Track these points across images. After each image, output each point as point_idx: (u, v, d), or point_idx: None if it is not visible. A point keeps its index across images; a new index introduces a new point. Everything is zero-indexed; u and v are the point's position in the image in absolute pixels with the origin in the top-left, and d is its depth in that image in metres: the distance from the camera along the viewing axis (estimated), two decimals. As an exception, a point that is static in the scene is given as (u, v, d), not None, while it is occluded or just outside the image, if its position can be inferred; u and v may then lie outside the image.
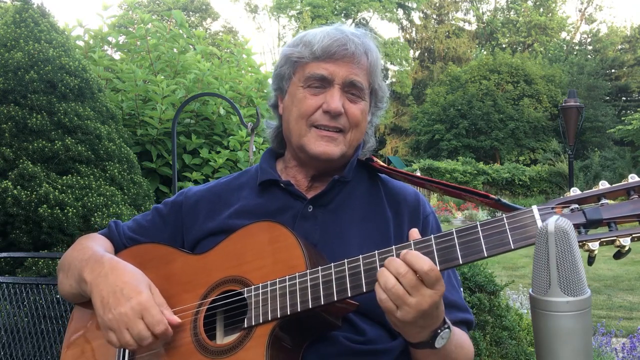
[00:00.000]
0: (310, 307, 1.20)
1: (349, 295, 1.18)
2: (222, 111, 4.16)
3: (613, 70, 39.26)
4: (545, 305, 1.00)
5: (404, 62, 43.56)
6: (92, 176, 2.73)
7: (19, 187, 2.55)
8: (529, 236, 1.08)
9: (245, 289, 1.28)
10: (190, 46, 4.89)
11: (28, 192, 2.55)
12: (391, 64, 43.03)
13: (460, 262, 1.12)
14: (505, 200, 1.28)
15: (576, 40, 46.50)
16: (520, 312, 3.93)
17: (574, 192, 1.12)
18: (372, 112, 1.52)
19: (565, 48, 44.32)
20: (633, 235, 1.05)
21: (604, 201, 1.09)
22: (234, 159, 4.05)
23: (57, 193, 2.58)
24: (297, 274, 1.23)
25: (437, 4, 46.79)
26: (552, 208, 1.10)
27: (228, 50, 5.32)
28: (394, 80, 41.83)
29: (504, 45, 46.10)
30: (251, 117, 4.35)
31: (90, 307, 1.37)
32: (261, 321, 1.24)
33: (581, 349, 1.00)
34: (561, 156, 28.25)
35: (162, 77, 4.13)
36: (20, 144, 2.63)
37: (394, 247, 1.18)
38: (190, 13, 45.09)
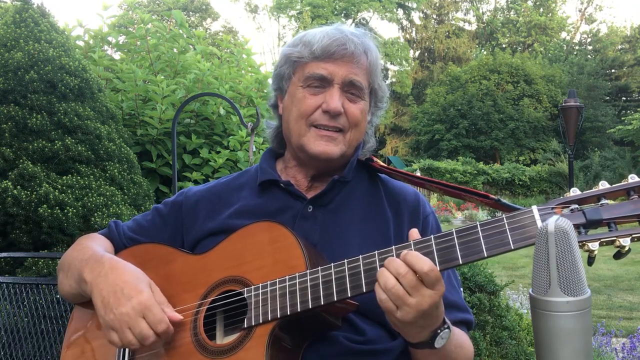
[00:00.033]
0: (310, 307, 1.20)
1: (349, 295, 1.18)
2: (222, 111, 4.16)
3: (613, 70, 39.26)
4: (545, 305, 1.00)
5: (404, 62, 43.57)
6: (92, 176, 2.73)
7: (19, 187, 2.55)
8: (529, 236, 1.08)
9: (245, 289, 1.28)
10: (190, 46, 4.90)
11: (28, 192, 2.55)
12: (391, 64, 43.04)
13: (460, 263, 1.12)
14: (505, 200, 1.28)
15: (576, 40, 46.52)
16: (520, 312, 3.93)
17: (574, 192, 1.12)
18: (372, 112, 1.52)
19: (565, 48, 44.32)
20: (633, 236, 1.05)
21: (604, 201, 1.09)
22: (234, 159, 4.05)
23: (57, 193, 2.58)
24: (297, 274, 1.23)
25: (437, 4, 46.79)
26: (552, 208, 1.10)
27: (228, 50, 5.32)
28: (394, 80, 41.84)
29: (504, 45, 46.10)
30: (251, 117, 4.35)
31: (90, 307, 1.37)
32: (261, 321, 1.24)
33: (581, 349, 1.00)
34: (561, 156, 28.25)
35: (162, 77, 4.13)
36: (20, 144, 2.63)
37: (393, 247, 1.18)
38: (190, 13, 45.10)
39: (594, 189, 1.11)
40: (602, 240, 1.05)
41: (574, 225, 1.02)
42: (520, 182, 28.75)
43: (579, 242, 1.02)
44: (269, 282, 1.26)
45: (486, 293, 3.27)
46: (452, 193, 1.42)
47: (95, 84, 3.03)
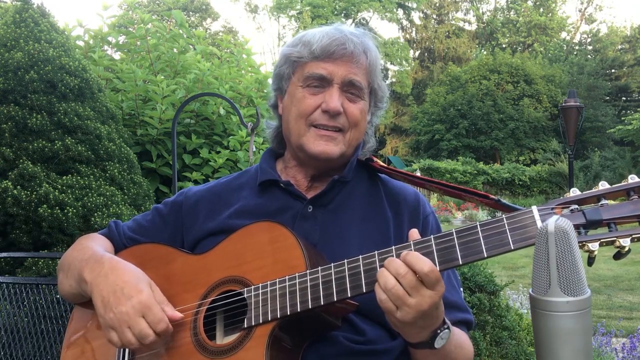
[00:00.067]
0: (310, 307, 1.20)
1: (349, 295, 1.18)
2: (222, 111, 4.16)
3: (613, 70, 39.26)
4: (545, 305, 1.00)
5: (404, 62, 43.57)
6: (92, 176, 2.73)
7: (19, 187, 2.55)
8: (529, 237, 1.08)
9: (245, 289, 1.28)
10: (190, 46, 4.90)
11: (28, 192, 2.55)
12: (391, 64, 43.04)
13: (460, 263, 1.12)
14: (505, 200, 1.28)
15: (576, 40, 46.52)
16: (520, 312, 3.93)
17: (574, 192, 1.12)
18: (372, 111, 1.52)
19: (565, 48, 44.32)
20: (633, 236, 1.05)
21: (603, 202, 1.09)
22: (234, 159, 4.05)
23: (57, 193, 2.58)
24: (296, 274, 1.23)
25: (437, 4, 46.79)
26: (552, 208, 1.10)
27: (228, 50, 5.32)
28: (394, 80, 41.84)
29: (504, 45, 46.10)
30: (251, 117, 4.35)
31: (90, 307, 1.37)
32: (261, 321, 1.24)
33: (581, 349, 1.00)
34: (561, 156, 28.25)
35: (162, 77, 4.13)
36: (20, 144, 2.63)
37: (393, 247, 1.17)
38: (190, 13, 45.10)
39: (594, 190, 1.11)
40: (602, 240, 1.05)
41: (574, 225, 1.02)
42: (520, 182, 28.75)
43: (578, 242, 1.02)
44: (269, 282, 1.26)
45: (486, 293, 3.27)
46: (452, 193, 1.42)
47: (95, 84, 3.03)
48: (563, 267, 0.97)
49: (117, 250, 1.54)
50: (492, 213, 17.29)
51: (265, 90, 4.58)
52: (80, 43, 4.12)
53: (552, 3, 45.72)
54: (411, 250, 1.15)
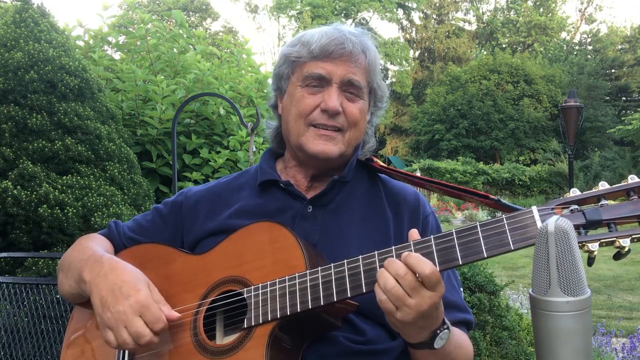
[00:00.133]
0: (309, 307, 1.20)
1: (349, 295, 1.18)
2: (222, 111, 4.16)
3: (613, 70, 39.25)
4: (545, 305, 1.00)
5: (404, 62, 43.56)
6: (92, 176, 2.73)
7: (19, 187, 2.55)
8: (529, 237, 1.08)
9: (245, 289, 1.28)
10: (190, 46, 4.90)
11: (28, 192, 2.55)
12: (391, 64, 43.04)
13: (460, 263, 1.12)
14: (505, 200, 1.27)
15: (576, 40, 46.51)
16: (520, 312, 3.93)
17: (574, 192, 1.12)
18: (372, 111, 1.52)
19: (565, 48, 44.31)
20: (633, 236, 1.05)
21: (603, 202, 1.09)
22: (234, 159, 4.05)
23: (57, 193, 2.58)
24: (296, 274, 1.23)
25: (437, 4, 46.79)
26: (552, 209, 1.10)
27: (228, 50, 5.32)
28: (394, 80, 41.83)
29: (504, 45, 46.09)
30: (251, 117, 4.35)
31: (90, 307, 1.37)
32: (261, 321, 1.24)
33: (581, 349, 1.00)
34: (561, 156, 28.24)
35: (162, 77, 4.14)
36: (20, 144, 2.63)
37: (393, 247, 1.17)
38: (190, 13, 45.10)
39: (593, 190, 1.11)
40: (602, 240, 1.05)
41: (574, 225, 1.02)
42: (520, 182, 28.75)
43: (578, 242, 1.02)
44: (268, 283, 1.26)
45: (486, 293, 3.27)
46: (452, 193, 1.42)
47: (95, 84, 3.03)
48: (563, 267, 0.97)
49: (117, 251, 1.54)
50: (492, 213, 17.28)
51: (265, 90, 4.58)
52: (80, 43, 4.12)
53: (552, 3, 45.71)
54: (411, 250, 1.15)
